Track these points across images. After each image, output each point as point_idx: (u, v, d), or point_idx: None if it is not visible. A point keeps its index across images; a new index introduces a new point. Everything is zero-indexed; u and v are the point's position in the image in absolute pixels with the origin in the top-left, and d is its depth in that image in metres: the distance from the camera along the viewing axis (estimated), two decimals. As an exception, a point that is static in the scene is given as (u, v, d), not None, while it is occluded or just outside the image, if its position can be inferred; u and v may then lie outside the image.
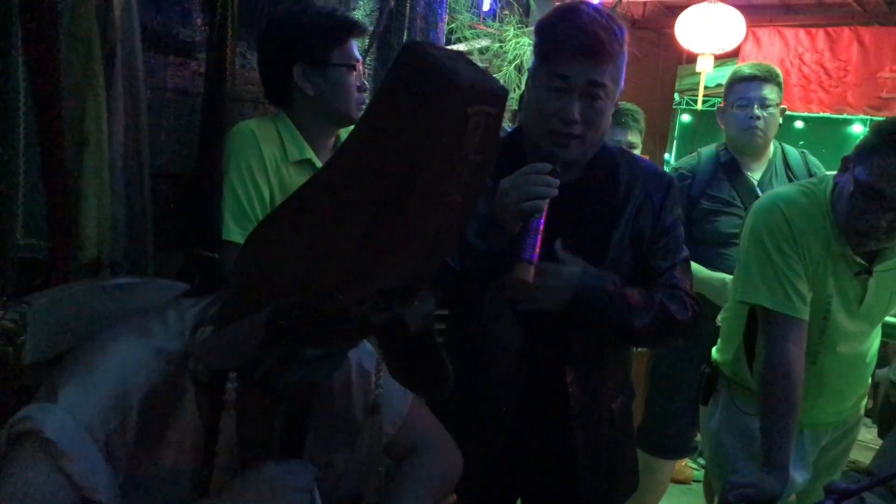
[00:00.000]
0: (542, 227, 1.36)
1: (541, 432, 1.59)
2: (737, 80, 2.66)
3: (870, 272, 1.77)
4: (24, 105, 1.35)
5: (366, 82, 1.83)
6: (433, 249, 0.93)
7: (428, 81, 0.82)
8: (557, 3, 1.53)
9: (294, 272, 0.93)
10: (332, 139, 1.85)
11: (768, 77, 2.61)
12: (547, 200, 1.38)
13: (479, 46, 3.53)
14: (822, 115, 4.76)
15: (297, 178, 1.71)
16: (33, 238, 1.40)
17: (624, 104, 2.91)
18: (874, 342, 1.94)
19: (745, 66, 2.71)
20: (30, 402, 1.01)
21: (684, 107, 8.53)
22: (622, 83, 1.50)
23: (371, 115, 0.92)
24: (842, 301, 1.80)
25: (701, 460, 3.99)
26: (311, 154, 1.75)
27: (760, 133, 2.60)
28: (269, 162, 1.68)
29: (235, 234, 1.63)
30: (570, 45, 1.42)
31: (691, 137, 9.61)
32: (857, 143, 1.68)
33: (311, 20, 1.74)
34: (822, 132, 8.84)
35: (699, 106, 5.16)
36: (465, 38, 3.38)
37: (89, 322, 1.23)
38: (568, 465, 1.59)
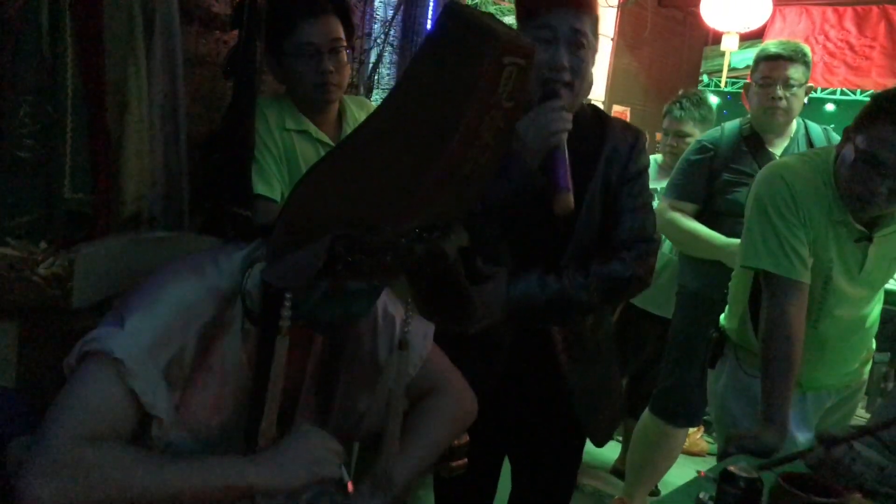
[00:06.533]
0: (566, 157, 1.50)
1: (532, 371, 1.70)
2: (762, 59, 2.69)
3: (870, 238, 1.83)
4: (72, 69, 1.47)
5: (341, 62, 1.82)
6: (467, 188, 1.05)
7: (469, 35, 0.94)
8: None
9: (346, 210, 1.05)
10: (329, 113, 1.93)
11: (794, 57, 2.62)
12: (566, 133, 1.51)
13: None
14: (852, 97, 4.73)
15: (298, 144, 1.85)
16: (80, 192, 1.51)
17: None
18: (875, 307, 1.99)
19: (771, 45, 2.72)
20: (75, 343, 1.13)
21: (712, 88, 8.46)
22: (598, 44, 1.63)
23: (415, 68, 1.03)
24: (843, 267, 1.85)
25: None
26: (307, 125, 1.86)
27: (782, 112, 2.64)
28: (273, 128, 1.82)
29: (261, 188, 1.77)
30: None
31: (719, 119, 9.52)
32: (858, 114, 1.73)
33: (269, 3, 1.77)
34: (854, 115, 8.71)
35: (723, 86, 5.17)
36: (490, 15, 3.45)
37: (130, 271, 1.34)
38: (561, 399, 1.71)
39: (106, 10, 1.52)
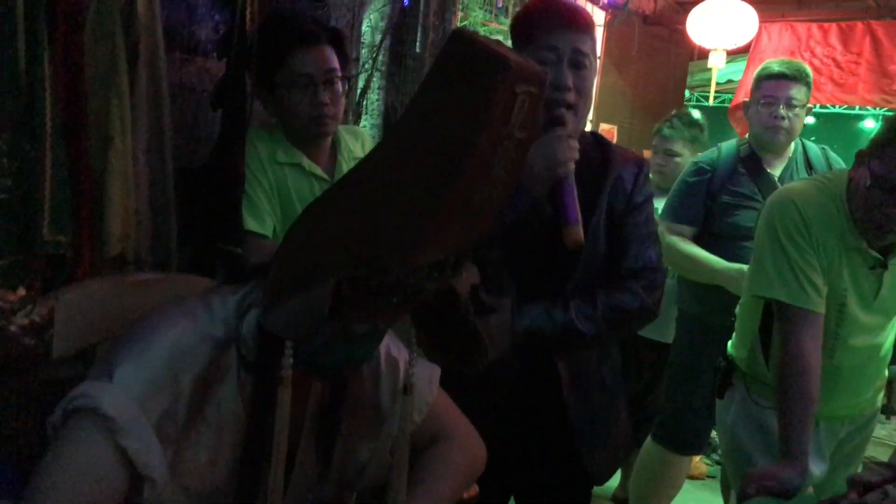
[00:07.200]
0: (574, 189, 1.49)
1: (536, 408, 1.64)
2: (765, 77, 2.65)
3: (885, 265, 1.77)
4: (51, 102, 1.38)
5: (336, 93, 1.77)
6: (478, 222, 0.98)
7: (479, 63, 0.88)
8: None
9: (349, 248, 0.97)
10: (323, 145, 1.86)
11: (797, 76, 2.59)
12: (573, 162, 1.50)
13: (491, 44, 3.55)
14: (833, 110, 4.76)
15: (290, 177, 1.78)
16: (59, 234, 1.41)
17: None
18: (889, 335, 1.93)
19: (774, 63, 2.68)
20: (57, 395, 1.04)
21: (694, 103, 8.53)
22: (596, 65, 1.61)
23: (422, 97, 0.96)
24: (857, 295, 1.80)
25: (715, 456, 4.00)
26: (299, 158, 1.79)
27: (784, 132, 2.60)
28: (264, 161, 1.75)
29: (251, 224, 1.70)
30: (556, 19, 1.53)
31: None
32: (873, 137, 1.68)
33: (259, 33, 1.69)
34: (834, 128, 8.81)
35: (710, 102, 5.17)
36: (478, 36, 3.41)
37: (115, 316, 1.25)
38: (566, 435, 1.65)
39: (87, 38, 1.43)
